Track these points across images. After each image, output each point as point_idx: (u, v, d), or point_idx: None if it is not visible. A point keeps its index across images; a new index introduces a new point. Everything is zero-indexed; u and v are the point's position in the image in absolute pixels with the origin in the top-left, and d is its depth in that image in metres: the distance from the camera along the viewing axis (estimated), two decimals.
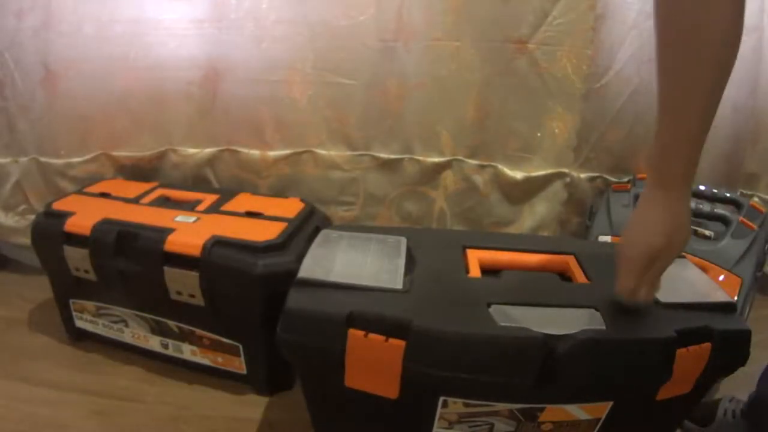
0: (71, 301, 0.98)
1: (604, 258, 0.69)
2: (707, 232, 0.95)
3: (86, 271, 0.90)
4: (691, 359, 0.57)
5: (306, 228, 0.92)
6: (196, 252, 0.82)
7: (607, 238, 0.97)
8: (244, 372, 0.91)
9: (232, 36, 1.03)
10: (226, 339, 0.88)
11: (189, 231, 0.86)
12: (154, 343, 0.95)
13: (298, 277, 0.63)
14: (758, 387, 0.75)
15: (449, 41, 1.02)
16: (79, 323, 1.00)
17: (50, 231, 0.91)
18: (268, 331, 0.87)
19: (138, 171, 1.13)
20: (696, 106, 0.50)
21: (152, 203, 0.98)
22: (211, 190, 1.04)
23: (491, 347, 0.55)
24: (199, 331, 0.89)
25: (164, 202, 0.99)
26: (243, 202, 0.98)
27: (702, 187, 1.03)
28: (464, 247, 0.72)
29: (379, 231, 0.75)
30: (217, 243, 0.83)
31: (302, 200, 0.99)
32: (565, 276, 0.70)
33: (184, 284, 0.84)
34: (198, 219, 0.91)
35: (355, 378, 0.59)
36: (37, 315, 1.10)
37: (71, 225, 0.89)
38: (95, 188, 1.04)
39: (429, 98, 1.06)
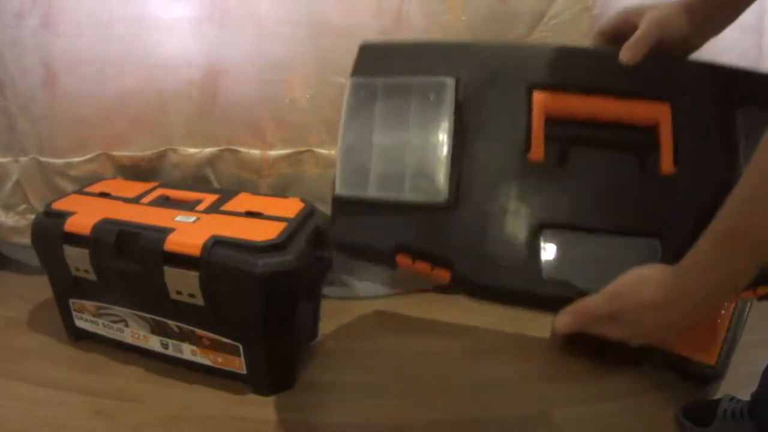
0: (71, 301, 0.98)
1: (708, 113, 0.56)
2: None
3: (86, 271, 0.90)
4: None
5: (306, 228, 0.92)
6: (195, 252, 0.82)
7: None
8: (244, 372, 0.90)
9: (232, 36, 1.03)
10: (226, 339, 0.88)
11: (189, 231, 0.86)
12: (154, 343, 0.95)
13: (336, 194, 0.58)
14: (761, 385, 0.75)
15: None
16: (79, 323, 1.00)
17: (50, 231, 0.91)
18: (268, 331, 0.87)
19: (138, 171, 1.13)
20: None
21: (152, 203, 0.97)
22: (211, 190, 1.04)
23: (530, 304, 0.54)
24: (199, 331, 0.89)
25: (164, 202, 0.99)
26: (243, 201, 0.98)
27: None
28: (530, 88, 0.57)
29: (422, 65, 0.60)
30: (217, 243, 0.83)
31: (302, 200, 0.99)
32: (650, 144, 0.56)
33: (183, 284, 0.84)
34: (198, 219, 0.91)
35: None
36: (37, 315, 1.10)
37: (71, 225, 0.89)
38: (95, 188, 1.04)
39: None
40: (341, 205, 0.58)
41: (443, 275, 0.54)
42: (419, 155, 0.57)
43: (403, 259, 0.55)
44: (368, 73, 0.64)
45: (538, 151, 0.56)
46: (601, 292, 0.49)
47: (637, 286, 0.48)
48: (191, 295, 0.85)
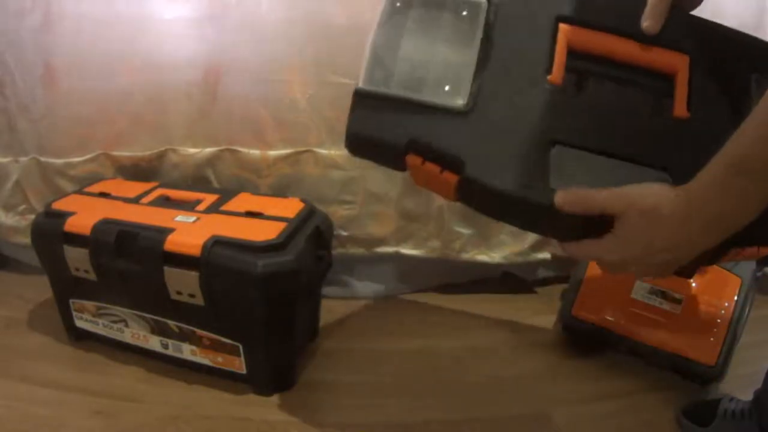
0: (71, 301, 0.98)
1: (729, 69, 0.58)
2: None
3: (86, 271, 0.90)
4: None
5: (306, 227, 0.92)
6: (195, 252, 0.82)
7: None
8: (244, 372, 0.90)
9: (232, 36, 1.03)
10: (226, 339, 0.88)
11: (189, 231, 0.86)
12: (154, 342, 0.95)
13: (358, 88, 0.61)
14: (765, 383, 0.75)
15: None
16: (79, 323, 1.00)
17: (50, 231, 0.91)
18: (268, 331, 0.87)
19: (138, 171, 1.13)
20: None
21: (152, 203, 0.97)
22: (211, 190, 1.04)
23: (531, 215, 0.55)
24: (199, 331, 0.89)
25: (164, 202, 0.98)
26: (243, 201, 0.98)
27: None
28: (558, 20, 0.59)
29: None
30: (217, 243, 0.83)
31: (302, 200, 0.99)
32: (665, 90, 0.58)
33: (183, 284, 0.84)
34: (198, 219, 0.91)
35: (417, 181, 0.63)
36: (37, 315, 1.10)
37: (71, 225, 0.89)
38: (95, 188, 1.04)
39: None
40: (361, 98, 0.60)
41: (450, 179, 0.56)
42: (444, 62, 0.59)
43: (413, 159, 0.57)
44: None
45: (558, 74, 0.58)
46: (608, 188, 0.50)
47: (644, 192, 0.49)
48: (191, 295, 0.85)
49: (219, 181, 1.13)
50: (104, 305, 0.95)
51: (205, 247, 0.82)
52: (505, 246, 1.16)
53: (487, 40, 0.59)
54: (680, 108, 0.56)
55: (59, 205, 0.95)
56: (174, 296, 0.86)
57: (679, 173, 0.51)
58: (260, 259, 0.81)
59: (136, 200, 0.98)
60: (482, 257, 1.16)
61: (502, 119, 0.57)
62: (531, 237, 1.15)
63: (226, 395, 0.91)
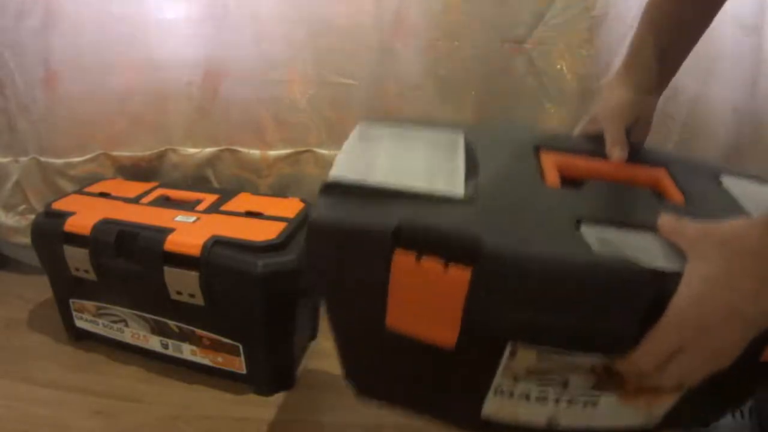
0: (71, 301, 0.98)
1: (700, 173, 0.59)
2: None
3: (86, 271, 0.90)
4: None
5: (305, 228, 0.91)
6: (195, 252, 0.82)
7: None
8: (244, 372, 0.91)
9: (232, 36, 1.03)
10: (226, 339, 0.88)
11: (189, 231, 0.86)
12: (154, 342, 0.95)
13: (328, 181, 0.48)
14: None
15: (448, 41, 1.02)
16: (79, 323, 1.00)
17: (50, 231, 0.91)
18: (268, 331, 0.87)
19: (138, 171, 1.13)
20: None
21: (152, 203, 0.97)
22: (211, 190, 1.04)
23: (588, 279, 0.41)
24: (199, 331, 0.89)
25: (164, 202, 0.98)
26: (243, 201, 0.98)
27: None
28: (537, 149, 0.57)
29: (430, 127, 0.59)
30: (217, 243, 0.83)
31: (302, 200, 0.99)
32: (656, 192, 0.57)
33: (183, 284, 0.84)
34: (198, 219, 0.91)
35: (401, 317, 0.45)
36: (37, 315, 1.10)
37: (71, 225, 0.89)
38: (95, 188, 1.04)
39: (428, 98, 1.06)
40: (331, 189, 0.47)
41: (459, 277, 0.41)
42: (432, 166, 0.51)
43: (403, 258, 0.42)
44: (373, 125, 0.60)
45: (554, 180, 0.53)
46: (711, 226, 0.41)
47: (721, 224, 0.40)
48: (191, 295, 0.85)
49: (219, 181, 1.13)
50: (104, 305, 0.95)
51: (205, 247, 0.82)
52: None
53: (471, 156, 0.54)
54: (677, 198, 0.55)
55: (59, 205, 0.95)
56: (174, 296, 0.86)
57: None
58: (260, 259, 0.81)
59: (136, 200, 0.98)
60: None
61: (512, 207, 0.48)
62: None
63: (226, 395, 0.91)
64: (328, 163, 1.11)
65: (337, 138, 1.10)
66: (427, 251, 0.42)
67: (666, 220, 0.45)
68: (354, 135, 0.57)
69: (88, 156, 1.11)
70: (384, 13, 1.01)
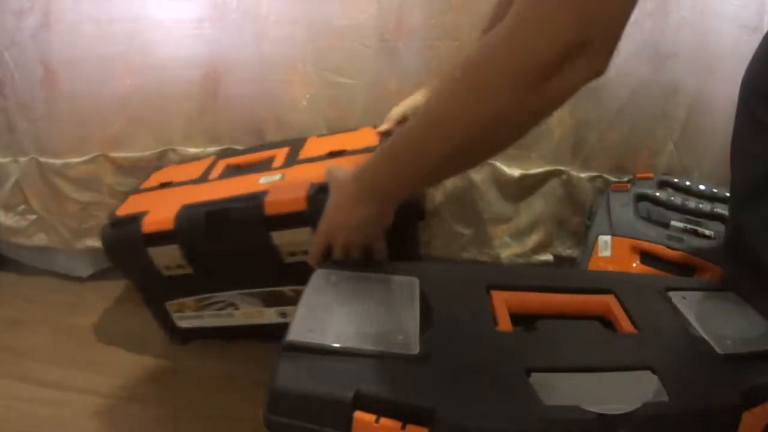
0: (168, 304, 0.89)
1: (646, 296, 0.63)
2: (707, 232, 0.95)
3: (179, 266, 0.82)
4: (756, 422, 0.50)
5: None
6: (300, 206, 0.74)
7: (607, 238, 0.97)
8: None
9: (232, 35, 1.03)
10: None
11: (282, 188, 0.78)
12: (270, 315, 0.88)
13: (287, 341, 0.51)
14: None
15: (449, 41, 1.02)
16: (181, 323, 0.92)
17: (127, 239, 0.81)
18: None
19: (137, 171, 1.12)
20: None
21: (223, 175, 0.88)
22: (276, 145, 0.95)
23: None
24: None
25: (236, 171, 0.89)
26: (316, 145, 0.90)
27: (702, 187, 1.03)
28: (488, 289, 0.62)
29: (387, 269, 0.65)
30: (320, 190, 0.73)
31: (375, 127, 0.92)
32: (606, 321, 0.62)
33: (297, 243, 0.76)
34: (283, 175, 0.82)
35: None
36: (37, 315, 1.10)
37: (149, 225, 0.80)
38: (151, 182, 0.95)
39: None
40: (290, 350, 0.50)
41: None
42: (387, 319, 0.55)
43: (363, 418, 0.45)
44: (332, 267, 0.64)
45: (505, 324, 0.57)
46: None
47: (338, 170, 0.65)
48: (306, 252, 0.74)
49: None
50: (206, 296, 0.87)
51: (309, 198, 0.74)
52: (507, 247, 1.16)
53: (425, 303, 0.58)
54: (627, 327, 0.59)
55: (124, 211, 0.86)
56: (288, 259, 0.78)
57: (662, 369, 0.51)
58: None
59: (204, 178, 0.88)
60: (483, 258, 1.16)
61: (465, 361, 0.51)
62: (532, 239, 1.15)
63: (226, 395, 0.91)
64: None
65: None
66: (385, 414, 0.45)
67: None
68: (311, 285, 0.61)
69: (86, 157, 1.11)
70: (385, 14, 1.01)
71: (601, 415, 0.44)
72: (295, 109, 1.07)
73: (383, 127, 0.93)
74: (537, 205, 1.13)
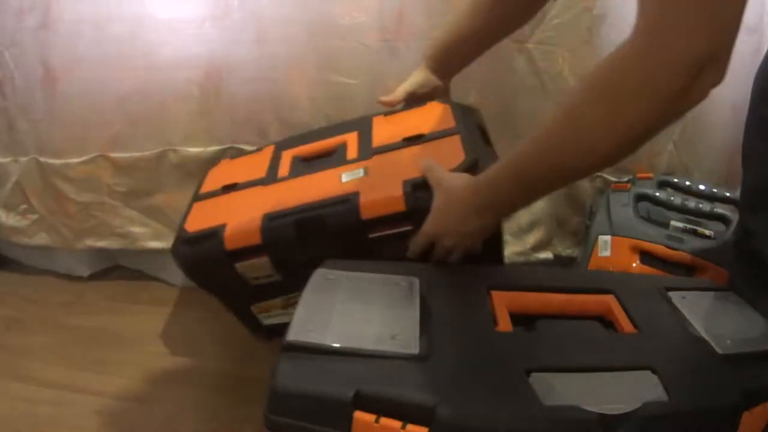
0: (253, 307, 0.84)
1: (646, 296, 0.64)
2: (707, 232, 0.95)
3: (269, 276, 0.77)
4: (756, 423, 0.51)
5: (474, 133, 0.78)
6: (399, 207, 0.68)
7: (607, 238, 0.97)
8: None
9: (233, 35, 1.03)
10: None
11: (373, 187, 0.72)
12: None
13: (287, 341, 0.51)
14: None
15: None
16: (267, 322, 0.86)
17: (209, 258, 0.75)
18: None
19: (136, 171, 1.12)
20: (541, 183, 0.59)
21: (294, 173, 0.81)
22: (337, 130, 0.87)
23: None
24: None
25: (306, 166, 0.82)
26: (385, 129, 0.83)
27: (702, 187, 1.03)
28: (488, 290, 0.62)
29: (387, 268, 0.64)
30: (416, 187, 0.69)
31: (441, 101, 0.85)
32: (606, 320, 0.62)
33: (396, 245, 0.72)
34: (366, 169, 0.75)
35: None
36: (37, 315, 1.10)
37: (233, 241, 0.73)
38: (210, 185, 0.87)
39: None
40: (290, 350, 0.51)
41: None
42: (386, 319, 0.55)
43: (363, 418, 0.45)
44: (332, 267, 0.63)
45: (505, 324, 0.57)
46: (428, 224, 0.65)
47: (450, 176, 0.66)
48: (406, 248, 0.73)
49: None
50: (294, 294, 0.79)
51: (407, 197, 0.68)
52: (507, 245, 1.16)
53: (425, 304, 0.58)
54: (627, 327, 0.59)
55: (195, 224, 0.78)
56: (385, 252, 0.72)
57: (662, 369, 0.51)
58: None
59: (273, 177, 0.81)
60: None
61: (464, 361, 0.52)
62: (533, 237, 1.15)
63: (227, 395, 0.91)
64: None
65: None
66: (385, 414, 0.46)
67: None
68: (311, 285, 0.60)
69: (85, 157, 1.11)
70: (385, 13, 1.01)
71: (601, 415, 0.45)
72: (296, 108, 1.07)
73: (388, 98, 0.89)
74: (537, 204, 1.13)
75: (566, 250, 1.16)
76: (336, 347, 0.51)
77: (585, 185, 1.12)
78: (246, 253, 0.73)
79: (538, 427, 0.45)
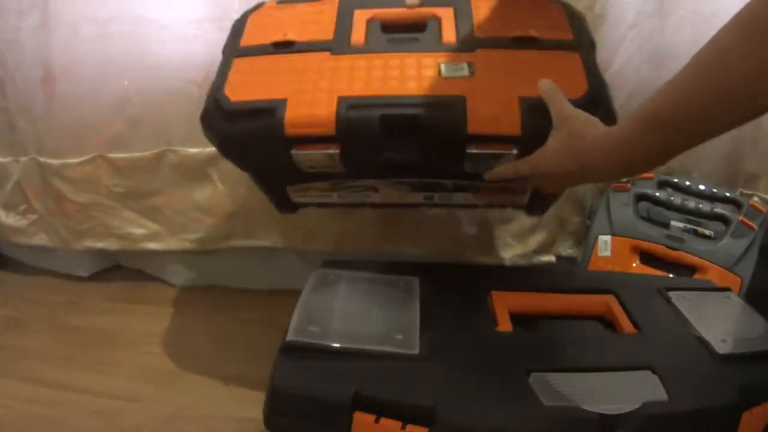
0: (288, 187, 0.72)
1: (646, 296, 0.64)
2: (707, 232, 0.95)
3: (329, 166, 0.63)
4: (755, 422, 0.51)
5: (593, 53, 0.67)
6: (513, 129, 0.58)
7: (607, 238, 0.97)
8: (524, 204, 0.75)
9: None
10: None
11: (483, 96, 0.59)
12: (414, 198, 0.74)
13: (287, 341, 0.51)
14: None
15: None
16: (300, 200, 0.75)
17: (255, 138, 0.61)
18: None
19: (135, 172, 1.12)
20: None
21: (373, 45, 0.65)
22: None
23: None
24: (486, 184, 0.66)
25: (391, 39, 0.67)
26: (486, 12, 0.69)
27: (702, 187, 1.03)
28: (488, 289, 0.62)
29: (387, 268, 0.63)
30: (533, 109, 0.58)
31: (556, 1, 0.72)
32: (606, 321, 0.62)
33: (488, 165, 0.63)
34: (471, 66, 0.62)
35: None
36: (37, 315, 1.10)
37: (296, 125, 0.58)
38: (253, 37, 0.71)
39: None
40: (289, 350, 0.50)
41: None
42: (387, 318, 0.54)
43: (362, 418, 0.45)
44: (334, 267, 0.63)
45: (505, 324, 0.57)
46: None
47: (583, 118, 0.55)
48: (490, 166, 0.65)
49: (222, 180, 1.12)
50: (346, 183, 0.70)
51: (524, 119, 0.58)
52: (509, 248, 1.16)
53: (425, 304, 0.57)
54: (627, 327, 0.59)
55: (238, 92, 0.62)
56: (472, 170, 0.63)
57: (662, 370, 0.51)
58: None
59: (344, 45, 0.65)
60: (486, 259, 1.16)
61: (464, 362, 0.51)
62: (535, 239, 1.15)
63: (227, 395, 0.91)
64: None
65: None
66: (385, 414, 0.46)
67: (546, 86, 0.57)
68: (311, 285, 0.60)
69: (84, 157, 1.11)
70: None
71: (601, 415, 0.45)
72: None
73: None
74: None
75: (566, 251, 1.16)
76: (336, 347, 0.51)
77: (585, 186, 1.12)
78: (311, 141, 0.59)
79: (538, 427, 0.46)
